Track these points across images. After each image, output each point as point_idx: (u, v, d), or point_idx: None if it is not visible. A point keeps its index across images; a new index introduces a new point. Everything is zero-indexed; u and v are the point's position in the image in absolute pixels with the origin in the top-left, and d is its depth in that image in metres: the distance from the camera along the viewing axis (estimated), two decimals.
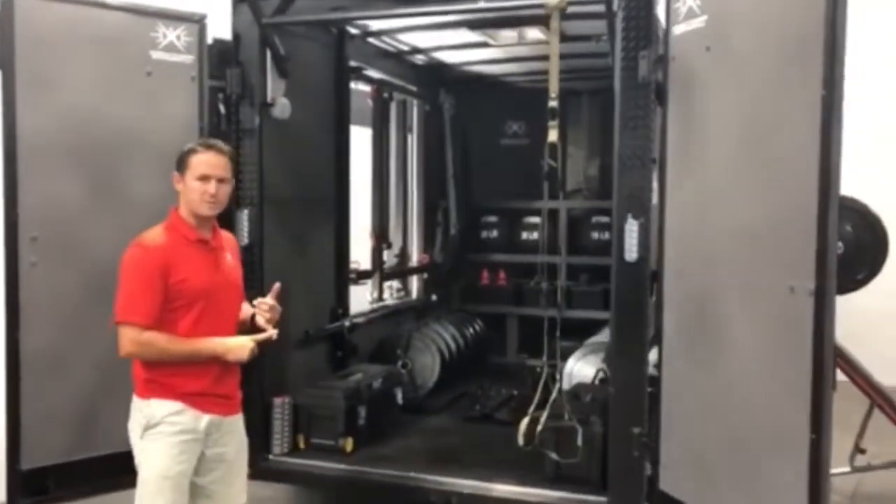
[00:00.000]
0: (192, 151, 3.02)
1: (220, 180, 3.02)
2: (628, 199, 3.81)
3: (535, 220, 7.42)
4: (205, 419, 3.02)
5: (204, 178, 2.98)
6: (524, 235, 7.45)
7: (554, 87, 3.86)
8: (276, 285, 3.21)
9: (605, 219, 7.11)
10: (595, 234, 7.21)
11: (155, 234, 3.01)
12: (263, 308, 3.15)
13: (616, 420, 3.87)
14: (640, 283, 3.80)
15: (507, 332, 7.43)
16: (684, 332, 3.46)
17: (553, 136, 3.89)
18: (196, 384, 3.00)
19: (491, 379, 6.37)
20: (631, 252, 3.80)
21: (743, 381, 3.14)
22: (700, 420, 3.37)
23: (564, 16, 3.89)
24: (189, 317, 2.98)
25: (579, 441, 4.04)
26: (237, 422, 3.21)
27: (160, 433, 2.96)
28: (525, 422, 4.10)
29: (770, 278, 2.99)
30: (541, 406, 4.24)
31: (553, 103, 3.87)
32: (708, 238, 3.28)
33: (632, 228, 3.81)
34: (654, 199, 3.83)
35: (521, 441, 4.08)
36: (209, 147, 3.04)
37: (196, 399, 3.00)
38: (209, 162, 3.00)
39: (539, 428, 4.06)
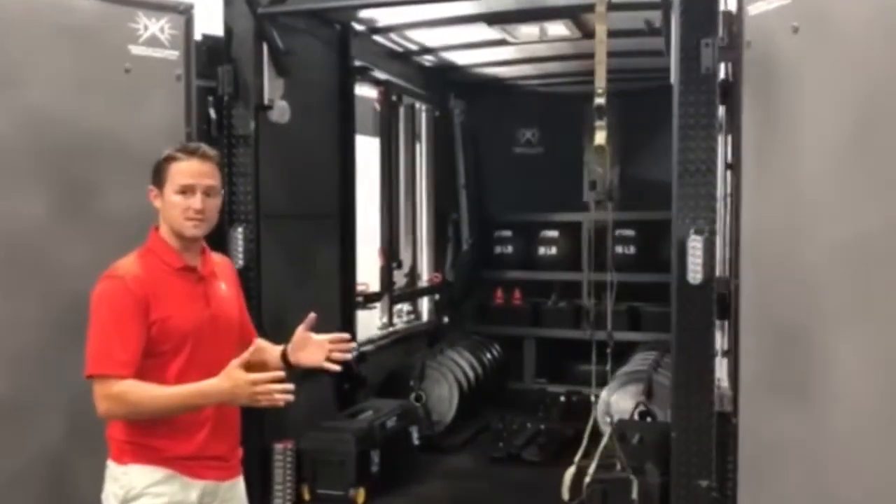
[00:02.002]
0: (170, 159, 2.46)
1: (207, 192, 2.46)
2: (691, 210, 3.32)
3: (553, 234, 6.99)
4: (197, 487, 2.47)
5: (187, 191, 2.44)
6: (542, 251, 6.95)
7: (601, 81, 3.32)
8: (312, 315, 2.63)
9: (628, 232, 6.65)
10: (619, 249, 6.67)
11: (130, 262, 2.46)
12: (341, 347, 2.63)
13: (679, 470, 3.33)
14: (706, 308, 3.34)
15: (525, 356, 6.95)
16: (772, 368, 2.93)
17: (601, 137, 3.35)
18: (185, 446, 2.45)
19: (510, 408, 5.90)
20: (695, 273, 3.31)
21: (857, 433, 2.58)
22: (796, 474, 2.81)
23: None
24: (175, 364, 2.44)
25: (634, 494, 3.46)
26: (237, 487, 2.66)
27: None
28: (570, 472, 3.50)
29: (890, 306, 2.42)
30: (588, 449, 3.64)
31: (600, 100, 3.32)
32: (803, 256, 2.74)
33: (695, 245, 3.32)
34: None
35: (565, 495, 3.48)
36: (191, 152, 2.49)
37: (186, 463, 2.46)
38: (192, 170, 2.45)
39: (587, 480, 3.45)
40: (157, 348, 2.40)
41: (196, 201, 2.43)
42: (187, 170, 2.44)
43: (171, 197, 2.44)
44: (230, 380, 2.26)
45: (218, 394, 2.29)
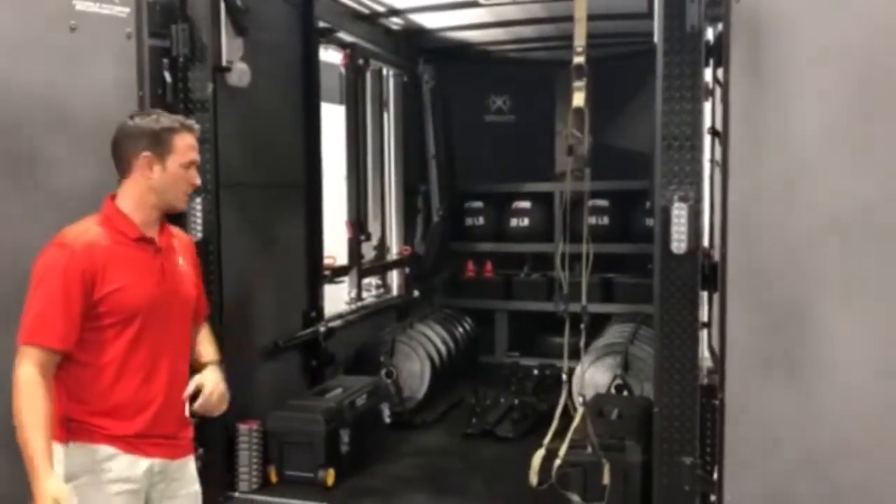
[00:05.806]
0: (174, 130, 2.46)
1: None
2: (675, 176, 3.15)
3: (525, 204, 6.84)
4: (144, 464, 2.41)
5: (191, 166, 2.50)
6: (513, 222, 6.81)
7: (580, 39, 3.13)
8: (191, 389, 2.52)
9: (601, 202, 6.52)
10: (592, 219, 6.53)
11: (81, 230, 2.39)
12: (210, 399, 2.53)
13: (661, 447, 3.20)
14: (690, 279, 3.18)
15: (496, 329, 6.83)
16: (761, 341, 2.81)
17: (579, 99, 3.15)
18: (129, 426, 2.40)
19: (482, 382, 5.72)
20: (679, 242, 3.15)
21: (851, 410, 2.48)
22: (785, 450, 2.72)
23: None
24: (123, 339, 2.36)
25: (606, 479, 3.32)
26: (187, 466, 2.60)
27: (87, 485, 2.34)
28: (539, 455, 3.35)
29: (887, 278, 2.31)
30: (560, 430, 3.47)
31: (579, 59, 3.13)
32: (798, 227, 2.65)
33: (679, 213, 3.16)
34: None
35: (533, 480, 3.33)
36: (189, 128, 2.52)
37: (132, 441, 2.41)
38: (194, 145, 2.52)
39: (557, 463, 3.30)
40: (101, 322, 2.32)
41: (197, 177, 2.51)
42: (192, 144, 2.48)
43: (176, 170, 2.43)
44: (46, 491, 2.16)
45: (35, 482, 2.18)
